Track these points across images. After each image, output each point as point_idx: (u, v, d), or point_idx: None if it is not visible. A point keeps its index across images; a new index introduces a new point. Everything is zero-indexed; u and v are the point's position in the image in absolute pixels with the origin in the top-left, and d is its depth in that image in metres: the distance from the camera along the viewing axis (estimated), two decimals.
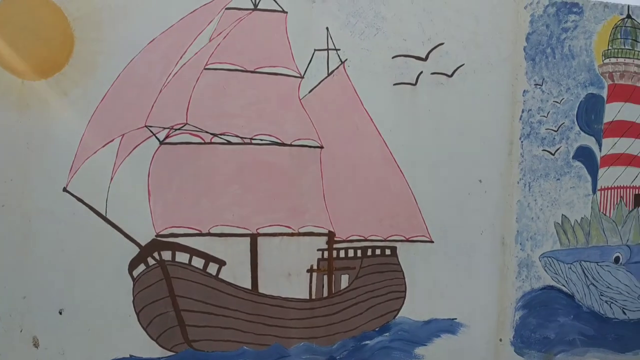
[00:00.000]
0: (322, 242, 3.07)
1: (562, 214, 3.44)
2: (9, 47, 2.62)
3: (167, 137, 2.83)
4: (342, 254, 3.11)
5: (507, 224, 3.35)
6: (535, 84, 3.33)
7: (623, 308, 3.62)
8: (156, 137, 2.81)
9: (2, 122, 2.65)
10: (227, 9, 2.86)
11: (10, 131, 2.66)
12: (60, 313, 2.76)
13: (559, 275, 3.47)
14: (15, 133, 2.66)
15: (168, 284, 2.86)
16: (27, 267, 2.71)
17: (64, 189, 2.72)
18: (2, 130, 2.65)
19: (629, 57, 3.46)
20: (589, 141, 3.46)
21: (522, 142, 3.33)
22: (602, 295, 3.57)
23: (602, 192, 3.50)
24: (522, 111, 3.32)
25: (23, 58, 2.64)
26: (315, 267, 3.06)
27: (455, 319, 3.30)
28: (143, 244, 2.81)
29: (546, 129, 3.37)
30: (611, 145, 3.50)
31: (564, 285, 3.49)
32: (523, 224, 3.37)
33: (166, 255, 2.85)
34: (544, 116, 3.36)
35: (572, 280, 3.50)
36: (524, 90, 3.31)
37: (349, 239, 3.11)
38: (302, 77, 2.99)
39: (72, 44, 2.68)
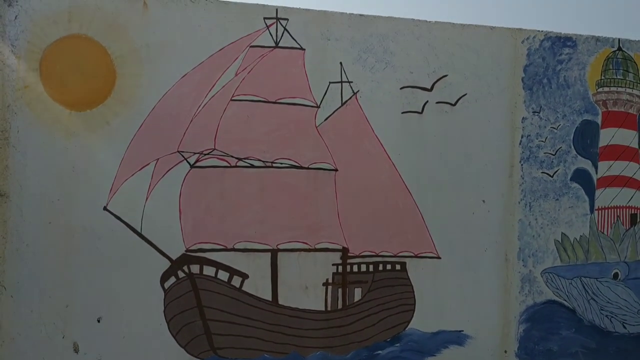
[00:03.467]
0: (336, 257, 3.21)
1: (562, 232, 3.53)
2: (59, 81, 2.85)
3: (197, 161, 3.01)
4: (355, 268, 3.23)
5: (510, 242, 3.45)
6: (533, 112, 3.46)
7: (623, 322, 3.67)
8: (187, 162, 3.00)
9: (51, 147, 2.84)
10: (251, 46, 3.05)
11: (58, 156, 2.85)
12: (99, 321, 2.92)
13: (560, 290, 3.54)
14: (62, 157, 2.85)
15: (196, 295, 3.02)
16: (69, 278, 2.88)
17: (104, 208, 2.91)
18: (51, 155, 2.84)
19: (621, 86, 3.59)
20: (585, 164, 3.56)
21: (522, 165, 3.45)
22: (602, 309, 3.63)
23: (600, 211, 3.60)
24: (522, 136, 3.44)
25: (71, 91, 2.86)
26: (330, 280, 3.20)
27: (462, 330, 3.38)
28: (174, 258, 2.99)
29: (544, 153, 3.49)
30: (607, 167, 3.60)
31: (565, 300, 3.55)
32: (525, 241, 3.47)
33: (195, 268, 3.01)
34: (542, 141, 3.48)
35: (573, 295, 3.56)
36: (523, 117, 3.44)
37: (361, 254, 3.24)
38: (318, 107, 3.16)
39: (114, 79, 2.89)
